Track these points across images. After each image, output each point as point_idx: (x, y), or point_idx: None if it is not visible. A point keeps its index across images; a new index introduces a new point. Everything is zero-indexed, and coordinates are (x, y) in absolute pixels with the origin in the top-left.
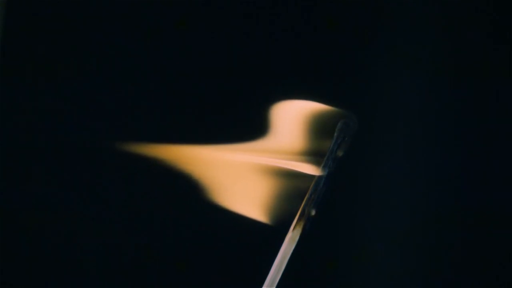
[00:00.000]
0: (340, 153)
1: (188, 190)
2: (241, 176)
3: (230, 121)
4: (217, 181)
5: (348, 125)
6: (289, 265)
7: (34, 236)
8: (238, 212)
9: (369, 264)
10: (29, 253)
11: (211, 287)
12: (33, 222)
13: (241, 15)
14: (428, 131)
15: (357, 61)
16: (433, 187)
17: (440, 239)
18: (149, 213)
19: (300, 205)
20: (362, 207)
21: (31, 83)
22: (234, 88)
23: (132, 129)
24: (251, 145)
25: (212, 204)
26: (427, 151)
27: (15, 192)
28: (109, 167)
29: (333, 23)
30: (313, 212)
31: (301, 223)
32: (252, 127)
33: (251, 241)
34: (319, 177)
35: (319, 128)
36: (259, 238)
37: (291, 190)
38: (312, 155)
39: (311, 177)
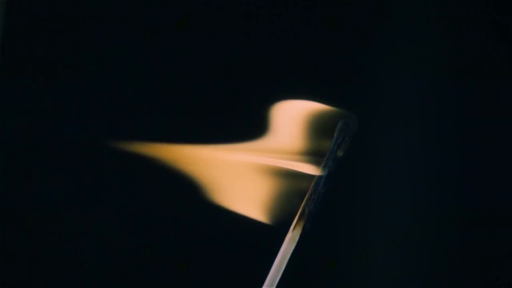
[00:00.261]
0: (340, 153)
1: (188, 190)
2: (241, 176)
3: (230, 121)
4: (217, 181)
5: (348, 125)
6: (289, 265)
7: (34, 236)
8: (238, 212)
9: (369, 264)
10: (29, 253)
11: (211, 287)
12: (33, 222)
13: (241, 15)
14: (428, 131)
15: (357, 61)
16: (433, 187)
17: (440, 239)
18: (149, 213)
19: (300, 205)
20: (362, 207)
21: (31, 83)
22: (234, 88)
23: (132, 129)
24: (251, 145)
25: (212, 204)
26: (427, 151)
27: (15, 192)
28: (109, 167)
29: (333, 23)
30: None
31: (301, 223)
32: (252, 127)
33: (251, 241)
34: (319, 177)
35: (319, 128)
36: (259, 238)
37: (291, 190)
38: (312, 155)
39: (311, 177)
